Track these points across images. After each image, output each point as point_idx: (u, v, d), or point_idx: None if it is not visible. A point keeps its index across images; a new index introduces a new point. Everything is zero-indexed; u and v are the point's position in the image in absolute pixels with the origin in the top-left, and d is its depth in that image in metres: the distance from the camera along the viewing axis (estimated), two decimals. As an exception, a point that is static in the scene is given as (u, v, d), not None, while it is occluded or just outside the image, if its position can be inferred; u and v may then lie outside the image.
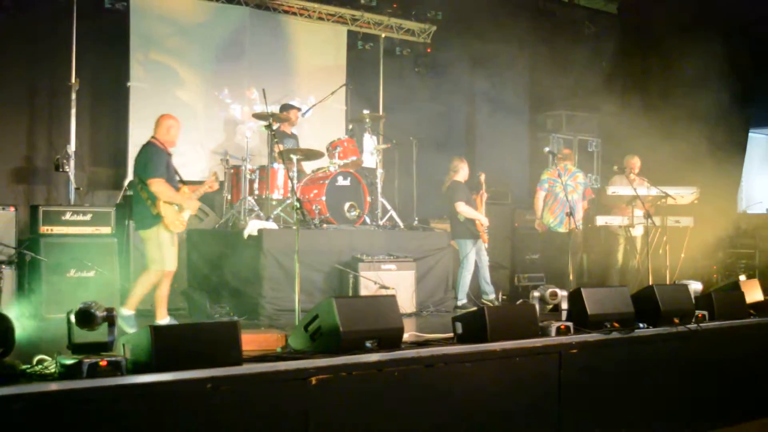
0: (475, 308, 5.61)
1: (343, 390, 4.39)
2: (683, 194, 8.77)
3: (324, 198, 7.86)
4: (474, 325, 5.27)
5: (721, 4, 10.26)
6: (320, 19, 10.48)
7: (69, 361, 3.81)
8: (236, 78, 9.74)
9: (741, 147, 11.32)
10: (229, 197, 8.19)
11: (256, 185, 8.10)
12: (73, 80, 8.43)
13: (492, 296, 8.59)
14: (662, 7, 11.07)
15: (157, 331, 4.03)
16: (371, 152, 8.87)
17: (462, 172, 8.64)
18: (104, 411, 3.65)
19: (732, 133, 10.94)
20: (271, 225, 7.49)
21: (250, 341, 4.78)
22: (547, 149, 9.22)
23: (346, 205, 8.06)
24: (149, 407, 3.77)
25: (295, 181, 7.84)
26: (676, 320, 6.18)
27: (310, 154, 8.32)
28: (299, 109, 9.20)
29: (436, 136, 10.35)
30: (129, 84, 8.91)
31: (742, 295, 7.15)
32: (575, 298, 5.88)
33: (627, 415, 5.77)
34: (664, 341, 6.05)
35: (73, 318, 3.98)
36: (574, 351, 5.47)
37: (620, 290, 6.29)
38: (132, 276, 7.59)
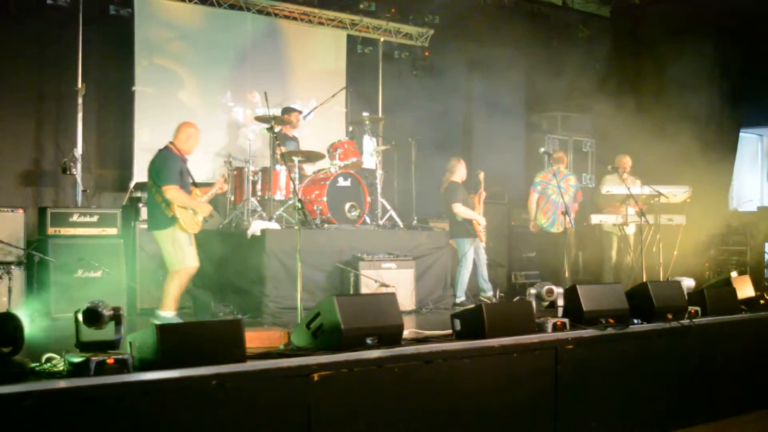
0: (473, 305, 5.61)
1: (344, 386, 4.40)
2: (676, 193, 8.77)
3: (325, 198, 7.86)
4: (472, 322, 5.27)
5: (712, 7, 10.26)
6: (320, 24, 10.48)
7: (77, 359, 3.82)
8: (239, 82, 9.74)
9: (732, 146, 11.32)
10: (232, 198, 8.20)
11: (258, 186, 8.10)
12: (80, 85, 8.43)
13: (490, 293, 8.59)
14: (654, 10, 11.08)
15: (163, 330, 4.04)
16: (371, 153, 8.87)
17: (459, 172, 8.63)
18: (111, 408, 3.66)
19: (723, 133, 10.95)
20: (273, 225, 7.49)
21: (254, 339, 4.78)
22: (542, 150, 9.22)
23: (347, 206, 8.06)
24: (155, 404, 3.78)
25: (296, 183, 7.84)
26: (670, 316, 6.19)
27: (312, 156, 8.32)
28: (300, 112, 9.20)
29: (435, 137, 10.34)
30: (134, 88, 8.90)
31: (733, 291, 7.16)
32: (571, 295, 5.88)
33: (622, 408, 5.78)
34: (658, 336, 6.05)
35: (80, 317, 3.98)
36: (570, 347, 5.47)
37: (615, 287, 6.30)
38: (138, 276, 7.61)
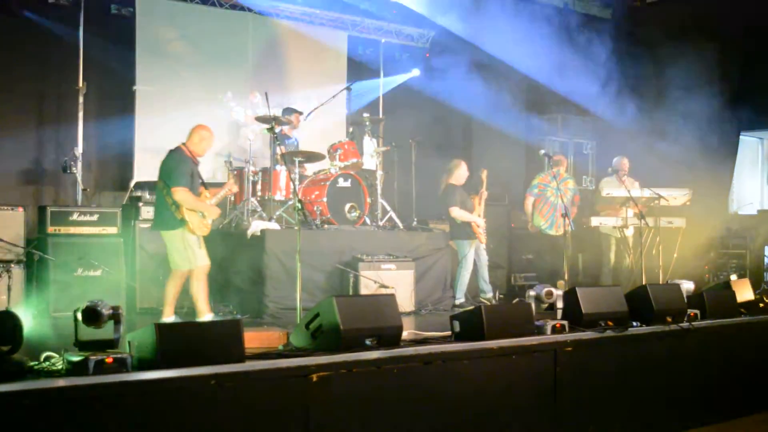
0: (472, 307, 5.61)
1: (343, 386, 4.39)
2: (676, 196, 8.77)
3: (325, 199, 7.86)
4: (471, 323, 5.27)
5: (713, 10, 10.26)
6: (321, 24, 10.48)
7: (76, 358, 3.82)
8: (239, 82, 9.73)
9: (732, 150, 11.31)
10: (232, 198, 8.19)
11: (258, 187, 8.11)
12: (81, 84, 8.44)
13: (490, 295, 8.58)
14: (655, 13, 11.08)
15: (162, 329, 4.04)
16: (371, 154, 8.87)
17: (456, 174, 8.58)
18: (110, 407, 3.65)
19: (723, 136, 10.93)
20: (273, 225, 7.49)
21: (253, 339, 4.78)
22: (542, 152, 9.21)
23: (347, 206, 8.06)
24: (154, 403, 3.78)
25: (296, 183, 7.84)
26: (669, 319, 6.18)
27: (312, 157, 8.32)
28: (301, 113, 9.20)
29: (435, 138, 10.35)
30: (135, 87, 8.92)
31: (733, 294, 7.15)
32: (570, 297, 5.88)
33: (621, 411, 5.77)
34: (657, 339, 6.05)
35: (79, 316, 3.98)
36: (569, 349, 5.47)
37: (614, 289, 6.29)
38: (138, 275, 7.61)
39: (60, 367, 3.90)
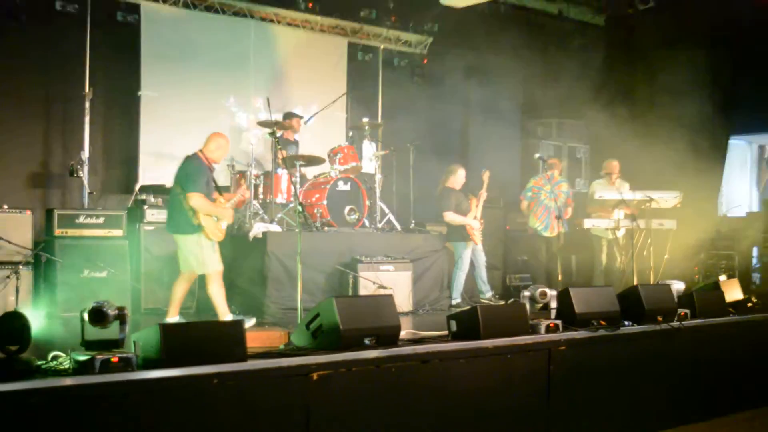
0: (468, 307, 5.63)
1: (342, 385, 4.41)
2: (667, 198, 8.78)
3: (325, 202, 7.88)
4: (468, 323, 5.29)
5: (704, 17, 10.28)
6: (322, 31, 10.49)
7: (82, 358, 3.83)
8: (242, 87, 9.75)
9: (722, 153, 11.33)
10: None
11: (260, 190, 8.12)
12: (87, 89, 8.45)
13: (489, 295, 8.59)
14: (647, 19, 11.10)
15: (167, 329, 4.06)
16: (370, 158, 8.88)
17: (453, 178, 8.60)
18: (116, 405, 3.68)
19: (713, 140, 10.96)
20: (275, 228, 7.51)
21: (255, 338, 4.81)
22: (537, 155, 9.23)
23: (347, 209, 8.08)
24: (159, 401, 3.80)
25: (297, 186, 7.86)
26: (660, 318, 6.21)
27: (312, 160, 8.33)
28: (301, 117, 9.22)
29: (433, 142, 10.35)
30: (140, 93, 8.92)
31: (721, 294, 7.19)
32: (564, 297, 5.90)
33: (613, 407, 5.79)
34: (648, 338, 6.08)
35: (86, 316, 4.00)
36: (563, 348, 5.49)
37: (606, 290, 6.33)
38: (143, 277, 7.62)
39: (67, 366, 3.92)
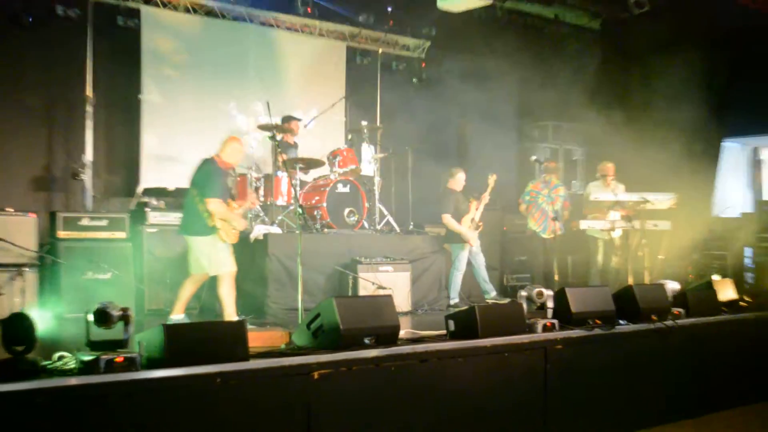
0: (466, 307, 5.66)
1: (343, 383, 4.43)
2: (661, 199, 8.81)
3: (325, 204, 7.91)
4: (465, 322, 5.31)
5: (699, 20, 10.32)
6: (321, 35, 10.53)
7: (87, 358, 3.85)
8: (242, 91, 9.77)
9: (715, 155, 11.37)
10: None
11: (261, 192, 8.14)
12: (89, 93, 8.47)
13: (493, 294, 8.62)
14: (642, 23, 11.13)
15: (170, 330, 4.08)
16: (369, 161, 8.92)
17: (453, 180, 8.64)
18: (120, 404, 3.69)
19: (707, 142, 11.00)
20: (275, 230, 7.54)
21: (256, 338, 4.81)
22: (533, 158, 9.28)
23: (346, 211, 8.11)
24: (162, 400, 3.81)
25: (297, 189, 7.88)
26: (654, 317, 6.23)
27: (312, 163, 8.36)
28: (300, 120, 9.25)
29: (431, 145, 10.39)
30: (141, 97, 8.95)
31: (714, 294, 7.22)
32: (560, 297, 5.93)
33: (608, 405, 5.81)
34: (643, 337, 6.10)
35: (90, 317, 4.01)
36: (559, 347, 5.51)
37: (602, 290, 6.35)
38: (146, 278, 7.64)
39: (72, 366, 3.93)
